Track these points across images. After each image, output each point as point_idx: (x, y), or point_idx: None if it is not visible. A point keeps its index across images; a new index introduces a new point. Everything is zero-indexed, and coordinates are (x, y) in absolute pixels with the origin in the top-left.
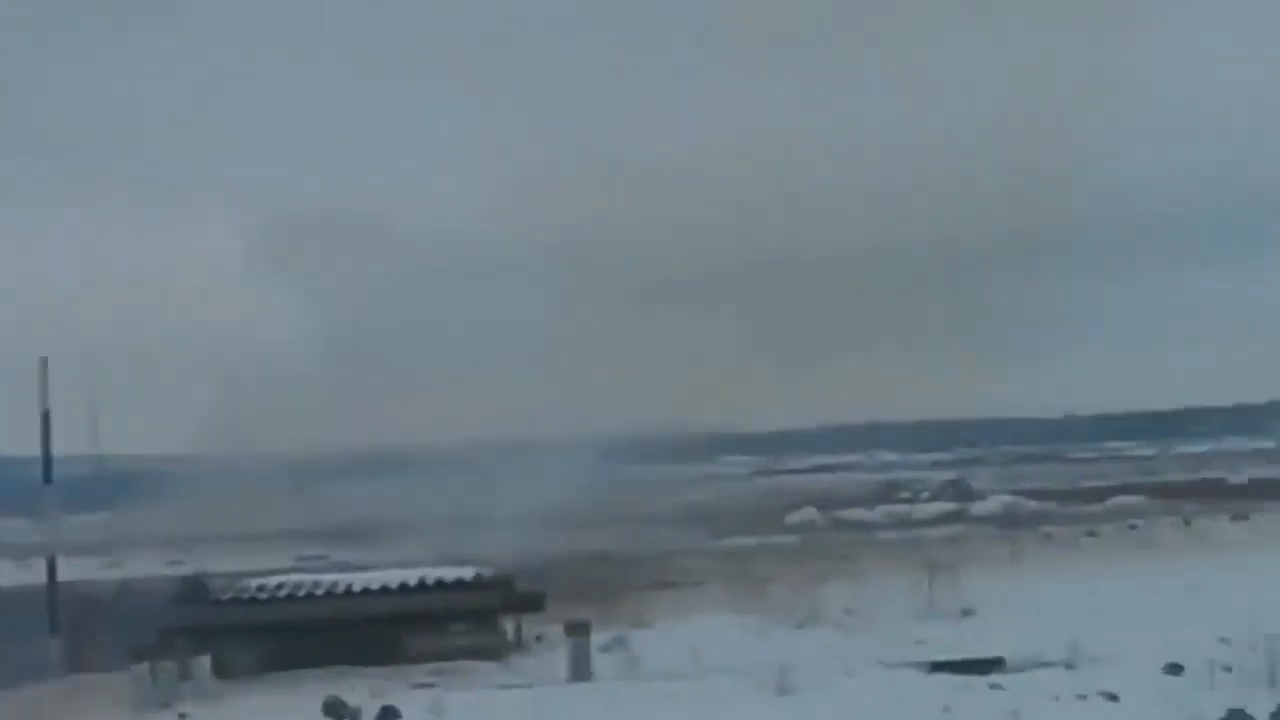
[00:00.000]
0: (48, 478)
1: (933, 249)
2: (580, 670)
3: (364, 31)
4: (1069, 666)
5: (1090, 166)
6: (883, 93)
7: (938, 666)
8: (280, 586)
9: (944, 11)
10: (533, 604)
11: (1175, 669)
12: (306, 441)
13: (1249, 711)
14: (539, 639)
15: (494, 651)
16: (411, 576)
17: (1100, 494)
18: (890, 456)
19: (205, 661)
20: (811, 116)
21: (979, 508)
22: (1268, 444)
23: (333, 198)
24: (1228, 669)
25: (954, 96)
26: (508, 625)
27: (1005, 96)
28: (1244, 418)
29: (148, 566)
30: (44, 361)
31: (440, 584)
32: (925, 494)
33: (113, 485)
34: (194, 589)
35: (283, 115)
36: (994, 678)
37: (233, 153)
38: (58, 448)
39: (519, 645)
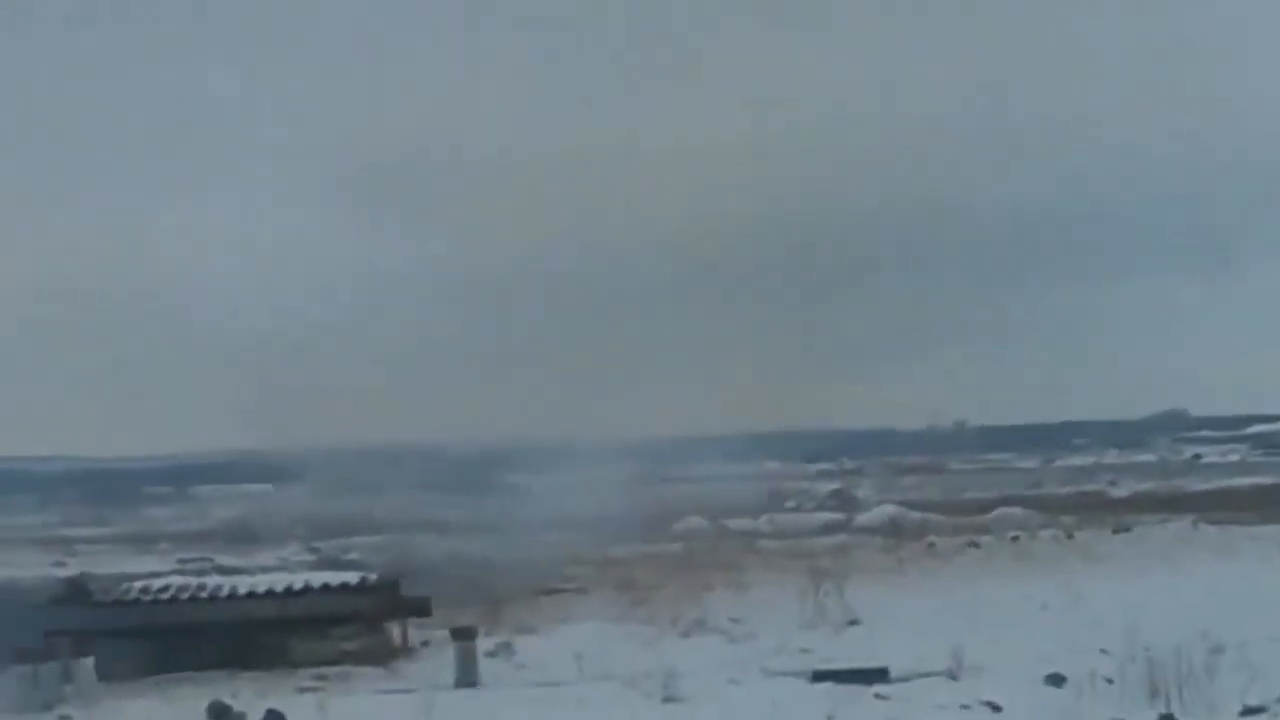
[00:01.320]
0: None
1: (820, 257)
2: (466, 675)
3: None
4: (952, 677)
5: (982, 177)
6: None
7: (822, 676)
8: (164, 589)
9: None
10: (418, 609)
11: (1057, 680)
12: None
13: None
14: (425, 644)
15: (380, 656)
16: (296, 580)
17: (983, 505)
18: (775, 465)
19: (88, 664)
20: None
21: (864, 518)
22: (1148, 458)
23: None
24: (1109, 680)
25: (823, 106)
26: (394, 630)
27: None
28: (1124, 432)
29: (30, 568)
30: None
31: (325, 588)
32: (810, 504)
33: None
34: (76, 591)
35: None
36: (878, 687)
37: None
38: None
39: (405, 650)
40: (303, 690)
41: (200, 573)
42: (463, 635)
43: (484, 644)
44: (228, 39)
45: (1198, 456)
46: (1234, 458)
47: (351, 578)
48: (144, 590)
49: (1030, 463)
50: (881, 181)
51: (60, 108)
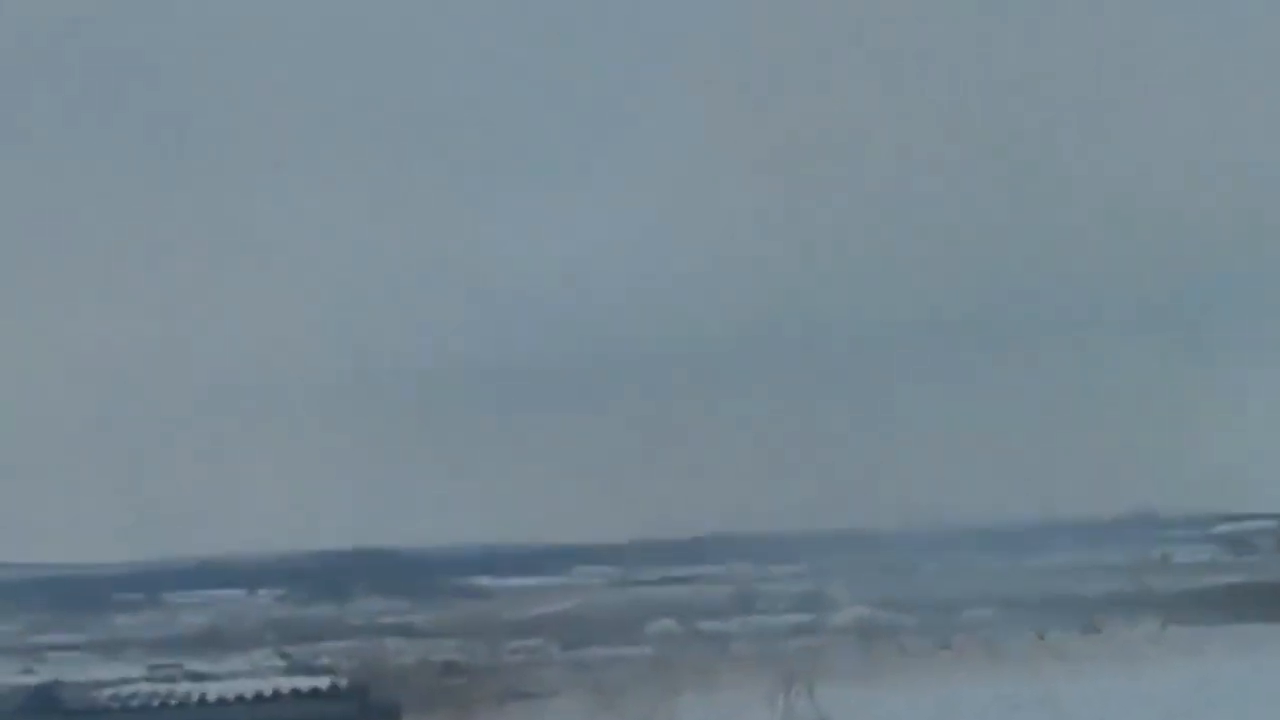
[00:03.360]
0: None
1: (786, 356)
2: None
3: None
4: None
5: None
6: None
7: None
8: (133, 696)
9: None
10: (389, 715)
11: None
12: None
13: None
14: None
15: None
16: (266, 687)
17: (954, 605)
18: (745, 567)
19: None
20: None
21: (835, 619)
22: (1118, 558)
23: None
24: None
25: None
26: None
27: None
28: (1093, 530)
29: None
30: None
31: (296, 694)
32: (781, 605)
33: None
34: (46, 699)
35: None
36: None
37: None
38: None
39: None
40: None
41: (171, 679)
42: None
43: None
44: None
45: (1167, 556)
46: (1204, 557)
47: (322, 683)
48: (114, 697)
49: (1000, 562)
50: (845, 280)
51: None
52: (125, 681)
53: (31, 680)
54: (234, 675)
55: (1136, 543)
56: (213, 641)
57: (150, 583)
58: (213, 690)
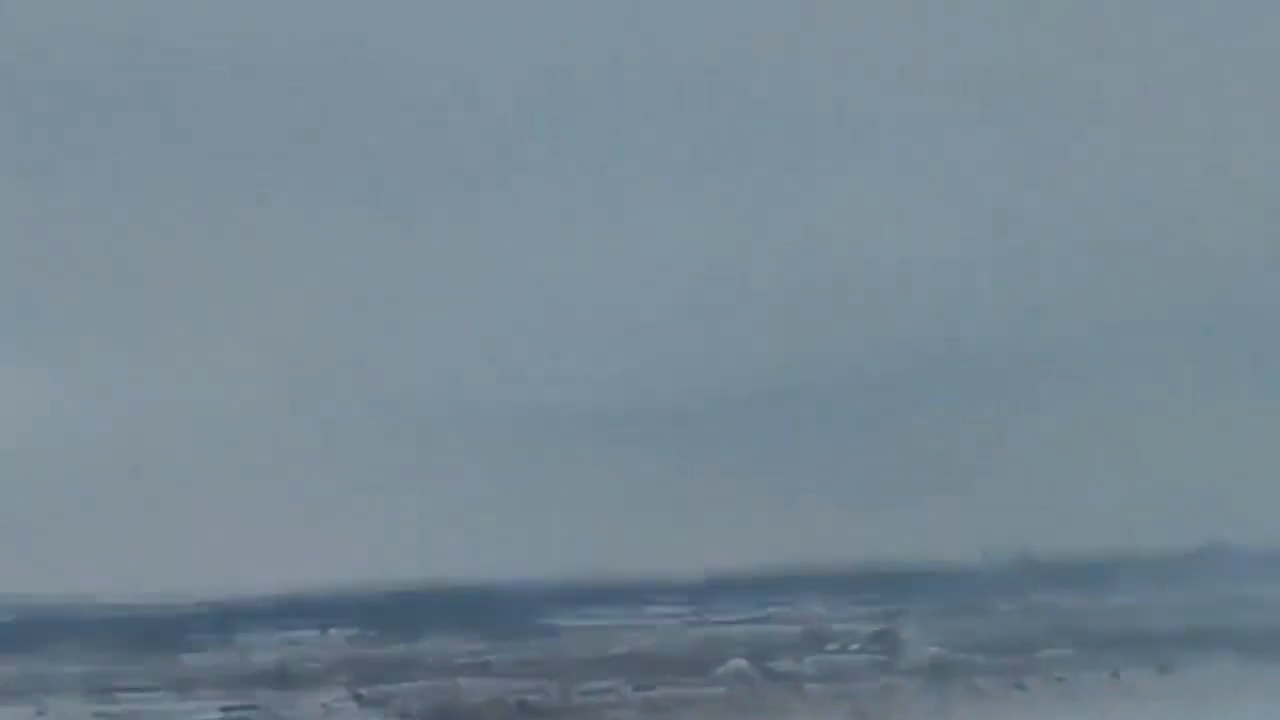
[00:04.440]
0: None
1: (845, 384)
2: None
3: None
4: None
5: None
6: None
7: None
8: None
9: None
10: None
11: None
12: None
13: None
14: None
15: None
16: None
17: (1028, 645)
18: (819, 606)
19: None
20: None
21: (907, 658)
22: (1193, 594)
23: None
24: None
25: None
26: None
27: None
28: (1167, 566)
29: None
30: None
31: None
32: (854, 645)
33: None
34: None
35: None
36: None
37: None
38: None
39: None
40: None
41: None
42: None
43: None
44: None
45: (1243, 592)
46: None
47: None
48: None
49: (1075, 600)
50: (904, 314)
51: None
52: None
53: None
54: (307, 715)
55: (1212, 578)
56: (284, 681)
57: (222, 622)
58: None
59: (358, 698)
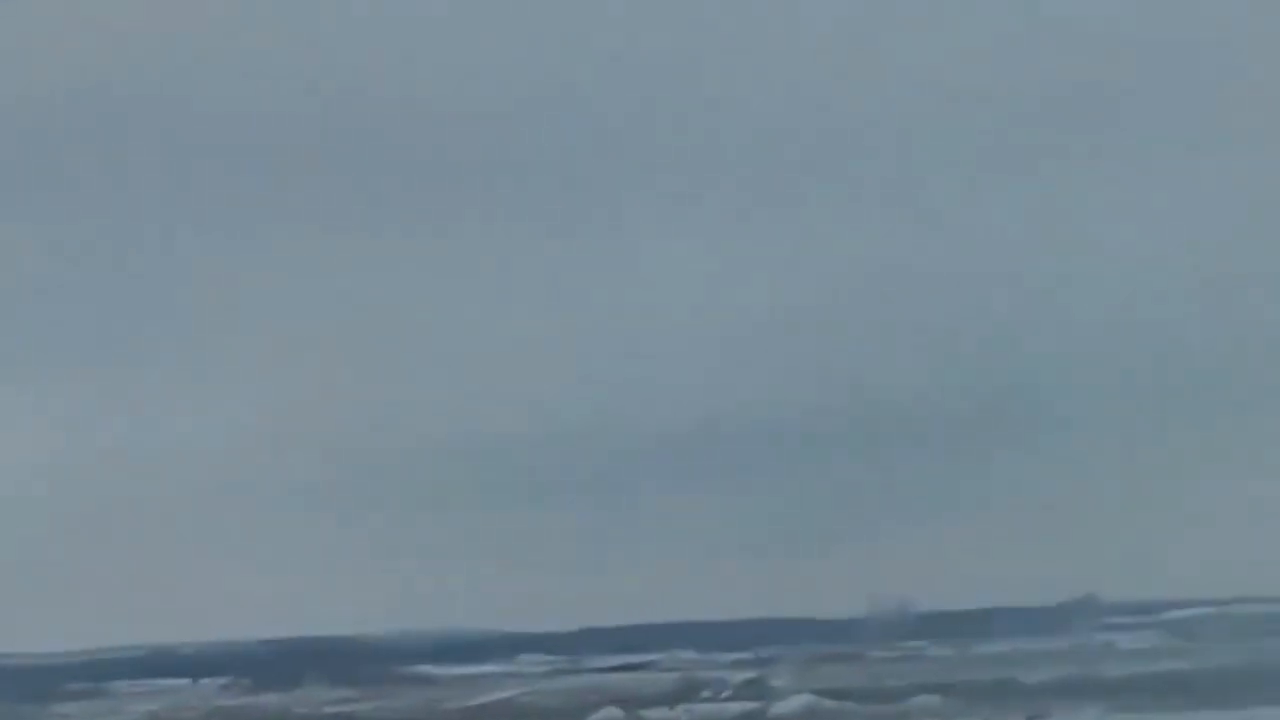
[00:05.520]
0: None
1: (735, 446)
2: None
3: None
4: None
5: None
6: None
7: None
8: None
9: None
10: None
11: None
12: None
13: None
14: None
15: None
16: None
17: (900, 693)
18: (691, 655)
19: None
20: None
21: (779, 707)
22: (1062, 645)
23: None
24: None
25: None
26: None
27: None
28: (1040, 618)
29: None
30: None
31: None
32: (726, 693)
33: None
34: None
35: None
36: None
37: None
38: None
39: None
40: None
41: None
42: None
43: None
44: None
45: (1111, 643)
46: (1147, 644)
47: None
48: None
49: (946, 650)
50: (790, 365)
51: None
52: None
53: None
54: None
55: (1081, 629)
56: None
57: (95, 672)
58: None
59: None
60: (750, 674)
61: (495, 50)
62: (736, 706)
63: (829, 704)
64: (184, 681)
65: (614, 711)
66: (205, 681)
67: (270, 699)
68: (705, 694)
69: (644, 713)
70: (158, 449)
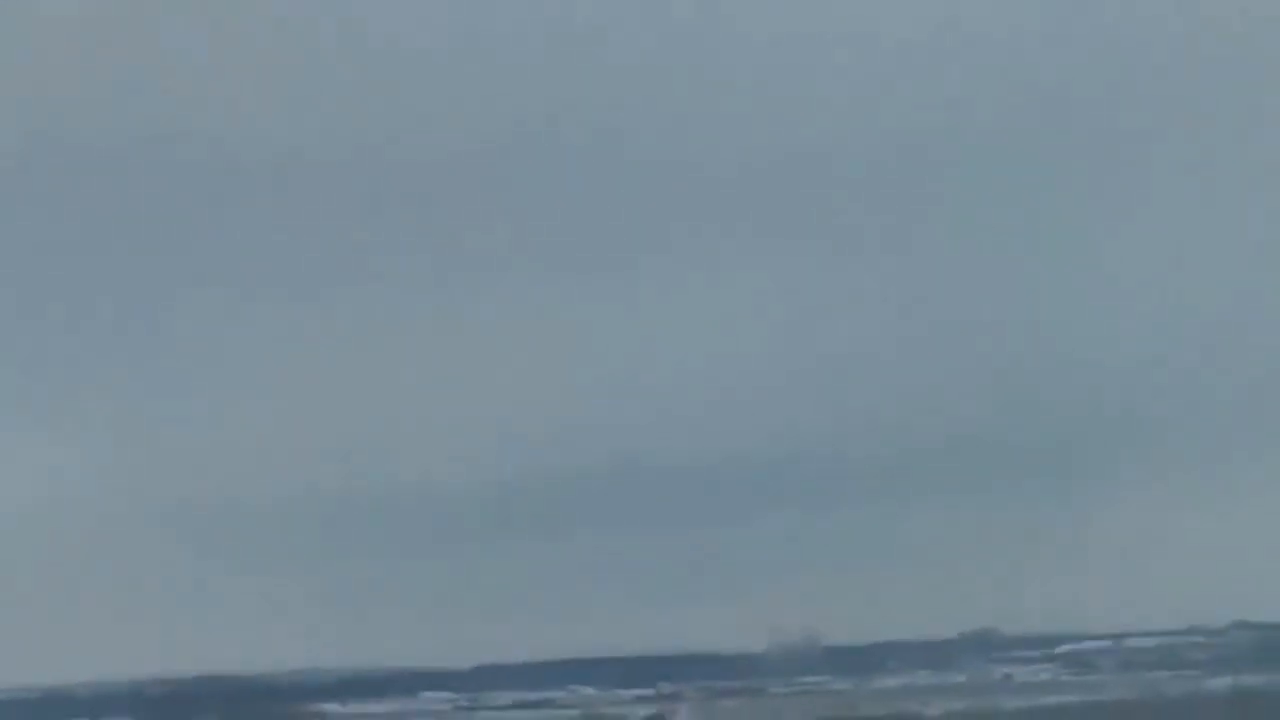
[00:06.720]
0: None
1: (624, 488)
2: None
3: None
4: None
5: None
6: None
7: None
8: None
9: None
10: None
11: None
12: None
13: None
14: None
15: None
16: None
17: None
18: (591, 692)
19: None
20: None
21: None
22: (959, 678)
23: None
24: None
25: None
26: None
27: None
28: (937, 652)
29: None
30: None
31: None
32: None
33: None
34: None
35: None
36: None
37: None
38: None
39: None
40: None
41: None
42: None
43: None
44: None
45: (1009, 676)
46: (1044, 677)
47: None
48: None
49: (845, 684)
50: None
51: None
52: None
53: None
54: None
55: (979, 663)
56: None
57: None
58: None
59: None
60: (651, 710)
61: (505, 91)
62: None
63: None
64: None
65: None
66: None
67: None
68: None
69: None
70: (47, 490)
